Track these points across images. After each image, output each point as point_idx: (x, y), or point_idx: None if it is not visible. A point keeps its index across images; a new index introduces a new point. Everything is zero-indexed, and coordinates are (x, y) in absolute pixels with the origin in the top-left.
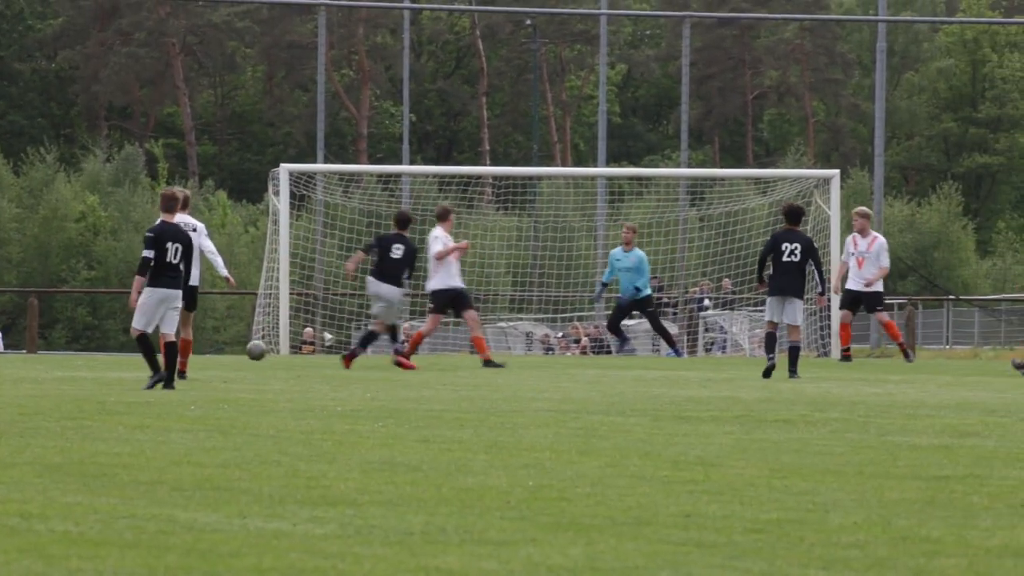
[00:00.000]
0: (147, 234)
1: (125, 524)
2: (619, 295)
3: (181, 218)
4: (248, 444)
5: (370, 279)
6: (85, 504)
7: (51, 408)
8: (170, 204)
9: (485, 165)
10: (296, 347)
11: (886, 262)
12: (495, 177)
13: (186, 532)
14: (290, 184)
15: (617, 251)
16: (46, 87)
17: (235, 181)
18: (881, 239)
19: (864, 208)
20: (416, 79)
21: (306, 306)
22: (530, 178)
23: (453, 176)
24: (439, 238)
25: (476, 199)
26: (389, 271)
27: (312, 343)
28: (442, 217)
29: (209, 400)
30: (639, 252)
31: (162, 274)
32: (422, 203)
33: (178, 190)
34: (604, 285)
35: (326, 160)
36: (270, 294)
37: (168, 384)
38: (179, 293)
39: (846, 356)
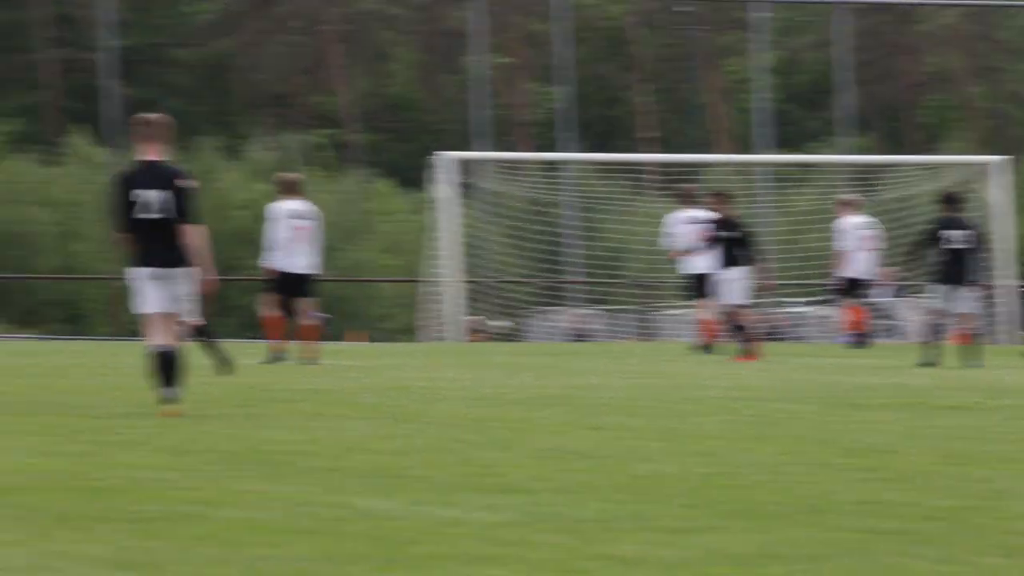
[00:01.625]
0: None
1: (303, 511)
2: None
3: (298, 205)
4: (421, 432)
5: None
6: (261, 492)
7: (223, 396)
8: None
9: (647, 152)
10: (466, 335)
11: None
12: (660, 164)
13: (363, 519)
14: (451, 172)
15: None
16: (203, 74)
17: (396, 169)
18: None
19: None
20: (573, 66)
21: (472, 294)
22: (692, 165)
23: (614, 163)
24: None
25: (639, 186)
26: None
27: (481, 331)
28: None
29: (382, 388)
30: None
31: None
32: (582, 190)
33: (291, 176)
34: None
35: (486, 148)
36: (435, 282)
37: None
38: None
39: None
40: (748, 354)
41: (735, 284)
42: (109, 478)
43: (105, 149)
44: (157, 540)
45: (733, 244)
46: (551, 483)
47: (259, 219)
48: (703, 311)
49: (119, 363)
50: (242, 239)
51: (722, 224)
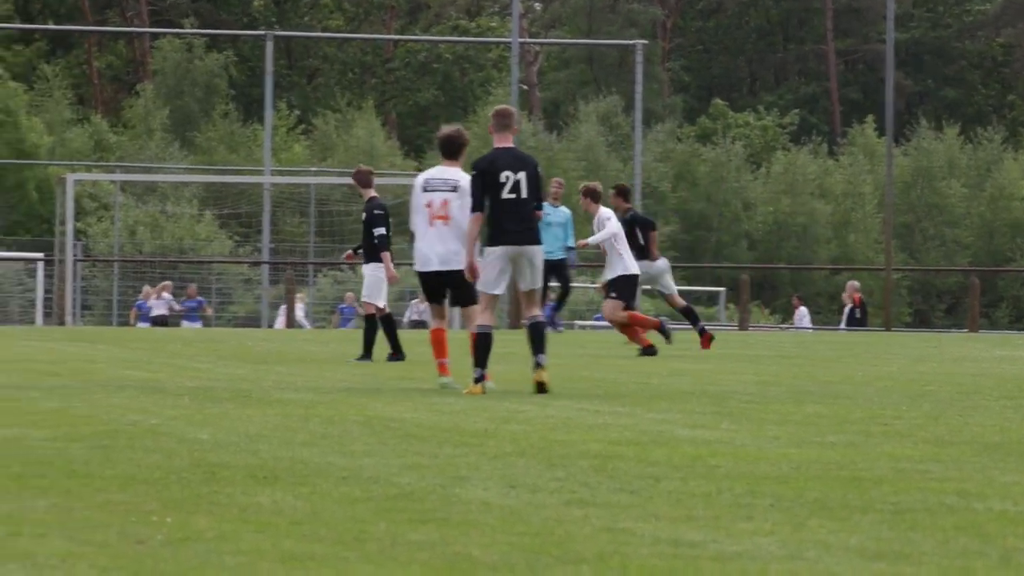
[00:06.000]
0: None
1: None
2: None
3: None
4: None
5: None
6: (1023, 484)
7: (991, 387)
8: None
9: None
10: None
11: (598, 237)
12: None
13: None
14: None
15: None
16: (983, 66)
17: None
18: (602, 211)
19: (588, 183)
20: None
21: None
22: None
23: None
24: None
25: None
26: None
27: None
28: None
29: None
30: (566, 210)
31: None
32: None
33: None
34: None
35: None
36: None
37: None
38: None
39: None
40: None
41: None
42: (873, 468)
43: (884, 141)
44: (915, 531)
45: None
46: None
47: None
48: None
49: (896, 353)
50: (1018, 231)
51: None
